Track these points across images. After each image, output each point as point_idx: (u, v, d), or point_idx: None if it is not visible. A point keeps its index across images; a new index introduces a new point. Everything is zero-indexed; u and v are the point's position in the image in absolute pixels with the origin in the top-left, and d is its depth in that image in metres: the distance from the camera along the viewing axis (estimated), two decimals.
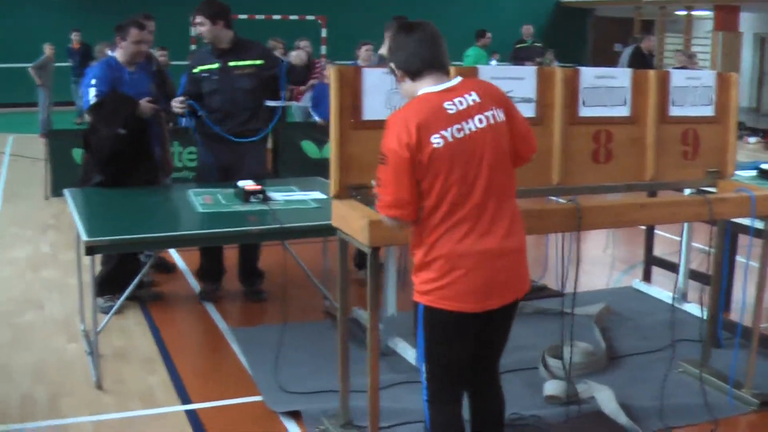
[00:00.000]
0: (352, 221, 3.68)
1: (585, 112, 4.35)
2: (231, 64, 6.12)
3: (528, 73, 4.30)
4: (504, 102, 3.34)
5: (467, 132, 3.20)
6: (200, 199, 5.43)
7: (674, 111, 4.52)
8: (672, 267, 7.06)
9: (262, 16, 19.38)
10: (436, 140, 3.15)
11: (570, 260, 4.13)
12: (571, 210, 3.88)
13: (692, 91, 4.55)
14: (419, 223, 3.24)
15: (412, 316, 3.37)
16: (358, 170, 3.91)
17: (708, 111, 4.60)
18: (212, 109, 6.10)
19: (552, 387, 4.64)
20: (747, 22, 22.17)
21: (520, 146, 3.38)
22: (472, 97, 3.24)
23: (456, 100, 3.22)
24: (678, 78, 4.52)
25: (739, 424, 4.52)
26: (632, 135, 4.47)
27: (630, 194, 4.77)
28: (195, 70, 6.21)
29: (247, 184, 5.43)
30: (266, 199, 5.36)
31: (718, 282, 4.83)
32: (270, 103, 6.21)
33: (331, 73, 3.81)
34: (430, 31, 3.32)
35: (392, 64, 3.35)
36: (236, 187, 5.54)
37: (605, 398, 4.48)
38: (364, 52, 11.40)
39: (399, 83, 3.38)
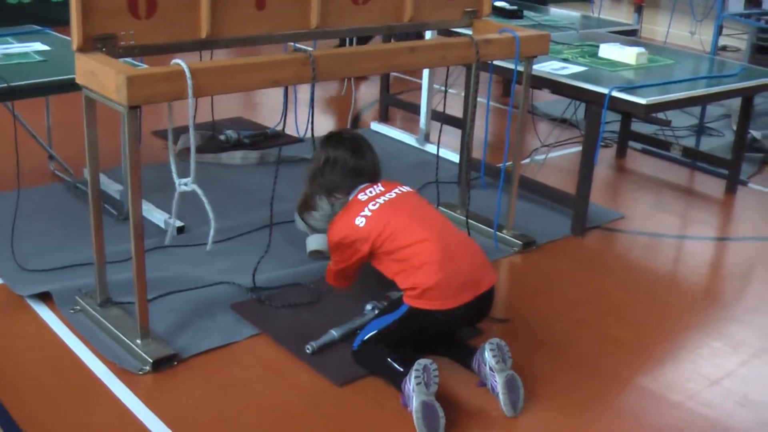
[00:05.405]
0: (105, 78, 3.19)
1: None
2: None
3: None
4: None
5: None
6: None
7: None
8: (406, 106, 7.06)
9: None
10: None
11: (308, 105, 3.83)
12: (306, 60, 3.56)
13: None
14: None
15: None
16: (103, 18, 3.38)
17: None
18: None
19: (315, 242, 4.46)
20: None
21: None
22: None
23: None
24: None
25: (505, 265, 4.59)
26: None
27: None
28: None
29: None
30: None
31: (471, 125, 4.77)
32: None
33: None
34: None
35: None
36: None
37: None
38: None
39: None
